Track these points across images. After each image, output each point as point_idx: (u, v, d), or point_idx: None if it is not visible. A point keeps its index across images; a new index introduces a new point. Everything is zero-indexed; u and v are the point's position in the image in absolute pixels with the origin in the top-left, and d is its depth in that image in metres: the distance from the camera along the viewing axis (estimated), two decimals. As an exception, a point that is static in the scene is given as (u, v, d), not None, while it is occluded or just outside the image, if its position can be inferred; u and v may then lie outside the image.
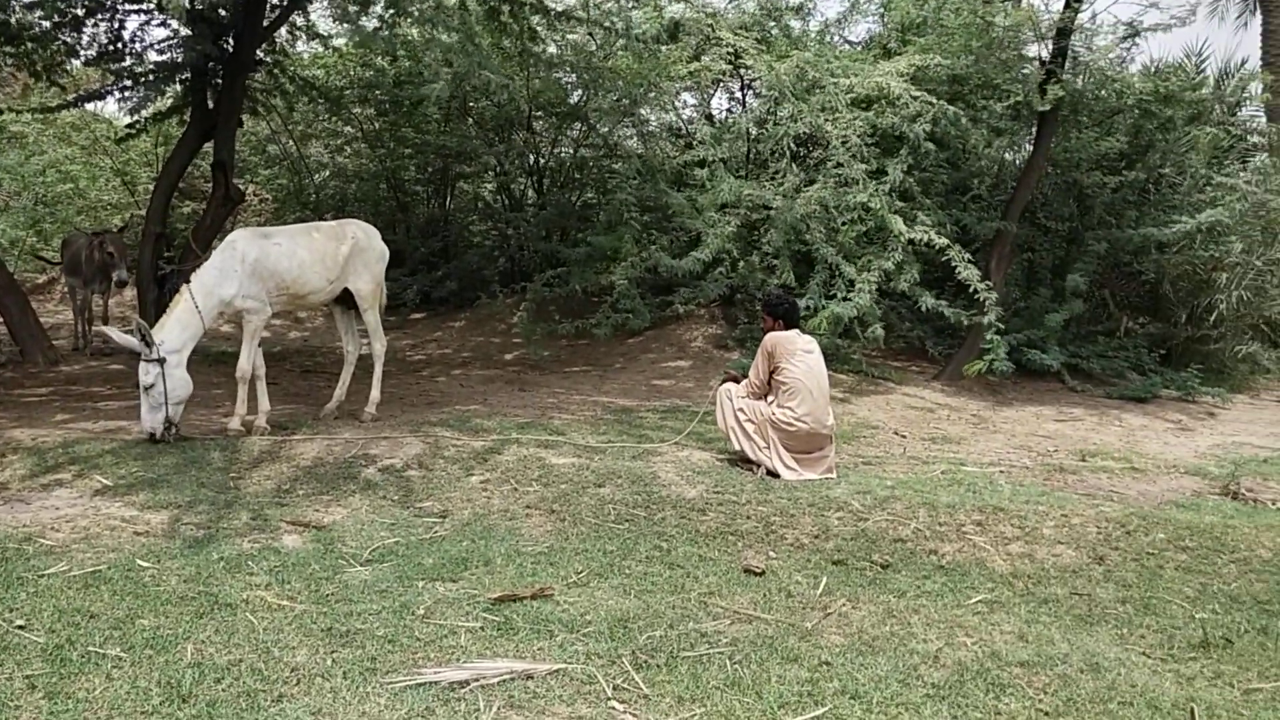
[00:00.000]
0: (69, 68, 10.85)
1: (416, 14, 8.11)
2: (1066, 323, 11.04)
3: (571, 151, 14.51)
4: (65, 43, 9.69)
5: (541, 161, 14.60)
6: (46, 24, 9.29)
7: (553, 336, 11.39)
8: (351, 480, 5.79)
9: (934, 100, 10.08)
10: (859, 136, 10.04)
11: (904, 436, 7.88)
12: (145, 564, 4.37)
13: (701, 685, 3.42)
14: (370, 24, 8.19)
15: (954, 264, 9.60)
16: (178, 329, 6.37)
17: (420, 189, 15.70)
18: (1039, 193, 11.79)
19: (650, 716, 3.19)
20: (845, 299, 9.44)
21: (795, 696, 3.37)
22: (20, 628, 3.64)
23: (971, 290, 9.54)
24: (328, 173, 15.88)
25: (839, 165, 10.06)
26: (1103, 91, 11.33)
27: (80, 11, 9.30)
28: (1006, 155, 12.87)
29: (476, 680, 3.36)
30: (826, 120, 10.23)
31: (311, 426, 7.01)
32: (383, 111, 14.48)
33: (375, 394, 7.46)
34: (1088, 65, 10.86)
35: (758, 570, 4.61)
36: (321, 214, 14.03)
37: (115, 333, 6.50)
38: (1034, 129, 11.31)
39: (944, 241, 9.63)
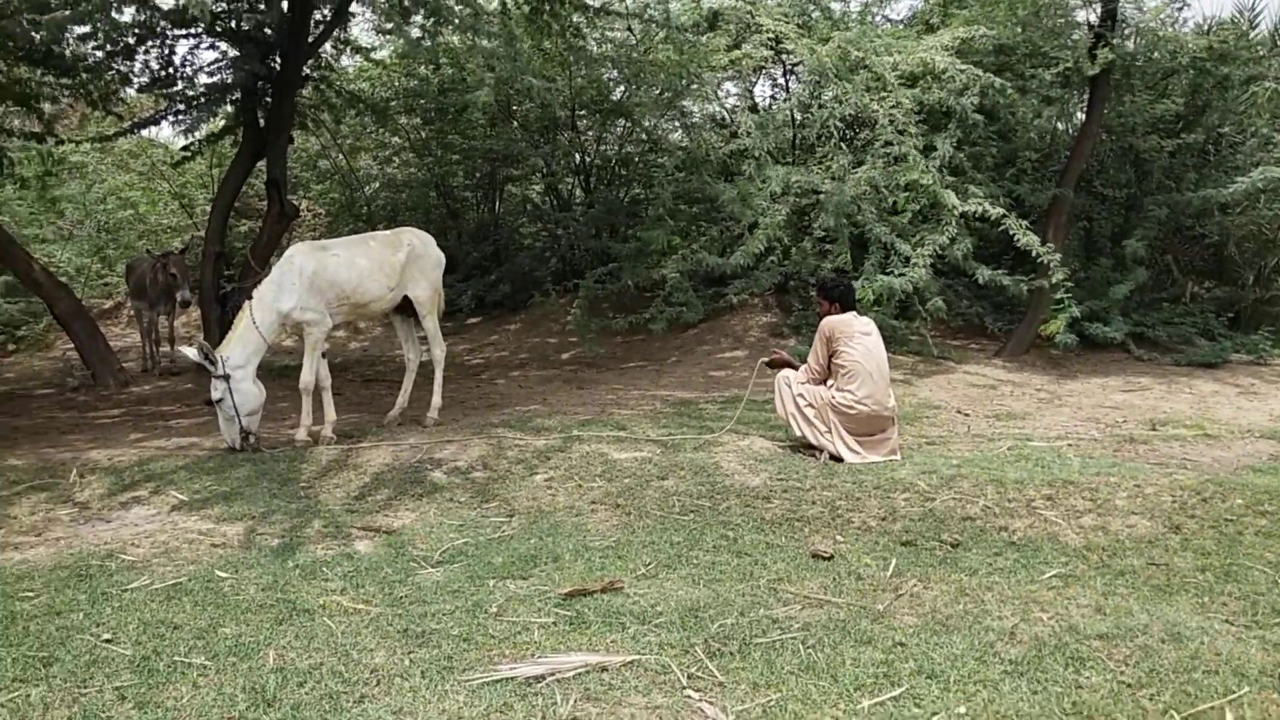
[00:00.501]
0: (123, 96, 11.13)
1: (457, 22, 8.18)
2: (1130, 291, 10.82)
3: (616, 148, 14.55)
4: (119, 71, 9.94)
5: (587, 160, 14.67)
6: (100, 54, 9.54)
7: (607, 333, 11.44)
8: (419, 484, 5.87)
9: (981, 72, 9.95)
10: (906, 114, 9.94)
11: (967, 415, 7.79)
12: (224, 574, 4.47)
13: (776, 671, 3.42)
14: (413, 33, 8.27)
15: (1011, 232, 9.48)
16: (239, 345, 6.59)
17: (469, 195, 15.85)
18: (1094, 160, 11.58)
19: (726, 704, 3.19)
20: (900, 274, 9.35)
21: (871, 679, 3.35)
22: (108, 641, 3.74)
23: (1034, 256, 9.42)
24: (378, 184, 16.10)
25: (887, 144, 9.98)
26: (1155, 53, 11.09)
27: (131, 40, 9.54)
28: (1058, 124, 12.67)
29: (552, 674, 3.39)
30: (872, 100, 10.15)
31: (377, 434, 7.12)
32: (429, 120, 14.64)
33: (437, 399, 7.55)
34: (1138, 27, 10.63)
35: (826, 555, 4.60)
36: (374, 225, 14.25)
37: (190, 351, 6.72)
38: (1085, 96, 11.11)
39: (999, 211, 9.52)
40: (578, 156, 14.62)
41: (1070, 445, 6.61)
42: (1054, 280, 9.45)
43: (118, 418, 8.39)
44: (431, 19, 8.16)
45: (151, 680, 3.40)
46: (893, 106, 10.04)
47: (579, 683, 3.34)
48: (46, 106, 10.47)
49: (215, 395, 6.51)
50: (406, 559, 4.67)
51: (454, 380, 9.38)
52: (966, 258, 9.73)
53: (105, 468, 6.27)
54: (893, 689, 3.28)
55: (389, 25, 8.14)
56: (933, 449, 6.57)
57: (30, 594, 4.27)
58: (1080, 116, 11.86)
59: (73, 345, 10.91)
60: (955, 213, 9.52)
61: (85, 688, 3.36)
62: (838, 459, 6.13)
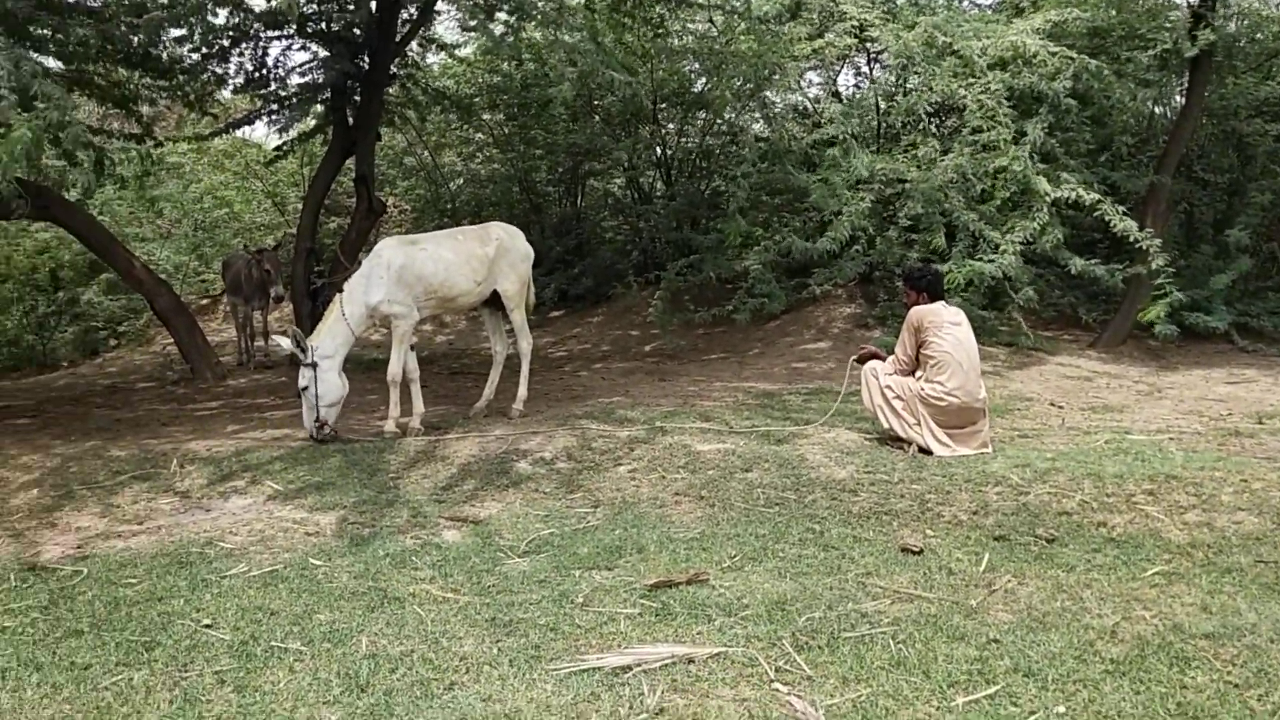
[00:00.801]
0: (219, 97, 11.45)
1: (540, 17, 8.23)
2: (1233, 280, 10.41)
3: (697, 140, 14.50)
4: (214, 73, 10.23)
5: (668, 152, 14.65)
6: (195, 56, 9.82)
7: (689, 325, 11.41)
8: (505, 475, 5.92)
9: (1074, 55, 9.65)
10: (995, 99, 9.71)
11: (1061, 407, 7.57)
12: (317, 562, 4.57)
13: (866, 665, 3.36)
14: (496, 30, 8.34)
15: (1107, 218, 9.19)
16: (328, 336, 6.78)
17: (552, 189, 15.96)
18: (1194, 144, 11.17)
19: (815, 698, 3.15)
20: (990, 260, 9.14)
21: (965, 675, 3.28)
22: (207, 626, 3.86)
23: (1132, 242, 9.12)
24: (462, 180, 16.30)
25: (976, 130, 9.75)
26: (1259, 34, 10.64)
27: (226, 42, 9.80)
28: (1155, 108, 12.23)
29: (639, 665, 3.38)
30: (960, 85, 9.93)
31: (463, 425, 7.20)
32: (511, 115, 14.78)
33: (523, 391, 7.61)
34: (1240, 7, 10.20)
35: (915, 549, 4.51)
36: (459, 220, 14.44)
37: (283, 340, 6.91)
38: (1185, 78, 10.71)
39: (1094, 197, 9.24)
40: (659, 149, 14.61)
41: (1172, 439, 6.37)
42: (1153, 266, 9.15)
43: (215, 410, 8.64)
44: (515, 15, 8.22)
45: (249, 665, 3.49)
46: (981, 92, 9.81)
47: (666, 674, 3.33)
48: (145, 108, 10.81)
49: (302, 383, 6.71)
50: (493, 549, 4.72)
51: (537, 373, 9.44)
52: (1058, 247, 9.46)
53: (204, 458, 6.46)
54: (987, 687, 3.20)
55: (473, 22, 8.22)
56: (1025, 442, 6.40)
57: (133, 580, 4.43)
58: (1179, 100, 11.44)
59: (172, 340, 11.27)
60: (1047, 199, 9.27)
61: (186, 671, 3.47)
62: (927, 452, 6.01)
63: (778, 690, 3.21)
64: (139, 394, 10.10)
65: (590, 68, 8.76)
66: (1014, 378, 8.67)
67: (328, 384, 6.70)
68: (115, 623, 3.93)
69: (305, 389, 6.71)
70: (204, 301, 15.85)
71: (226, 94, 11.62)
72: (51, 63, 8.01)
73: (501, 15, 8.75)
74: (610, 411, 7.40)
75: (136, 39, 8.14)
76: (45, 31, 7.66)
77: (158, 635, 3.77)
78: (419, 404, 7.16)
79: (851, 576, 4.22)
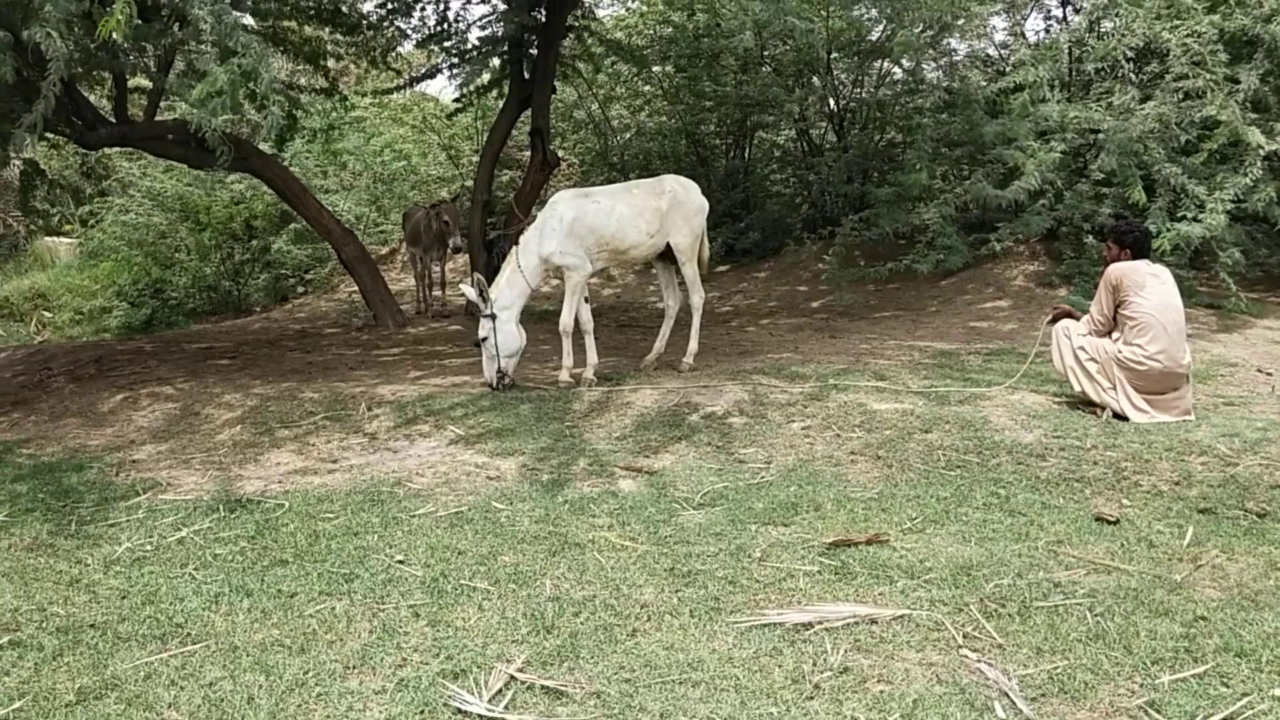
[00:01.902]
0: (400, 52, 11.80)
1: (715, -36, 8.13)
2: None
3: (872, 90, 14.05)
4: (398, 28, 10.54)
5: (840, 104, 14.26)
6: (380, 12, 10.14)
7: (860, 282, 11.14)
8: (677, 427, 5.94)
9: (1295, -7, 8.85)
10: (1203, 44, 9.01)
11: (1270, 374, 7.04)
12: (500, 506, 4.71)
13: (1061, 637, 3.22)
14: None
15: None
16: (507, 287, 6.90)
17: (719, 142, 15.81)
18: None
19: (1008, 667, 3.05)
20: (1195, 220, 8.53)
21: (1169, 652, 3.10)
22: (400, 562, 4.03)
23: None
24: (630, 133, 16.33)
25: (1181, 77, 9.08)
26: None
27: (410, -3, 10.08)
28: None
29: (820, 623, 3.35)
30: (1164, 29, 9.25)
31: (635, 378, 7.26)
32: (681, 68, 14.66)
33: (693, 345, 7.61)
34: None
35: (1111, 519, 4.28)
36: (626, 174, 14.49)
37: (468, 290, 7.09)
38: None
39: (1314, 151, 8.49)
40: (831, 100, 14.24)
41: (1400, 411, 5.85)
42: None
43: (397, 356, 8.99)
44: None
45: (441, 601, 3.63)
46: (1187, 35, 9.12)
47: (848, 633, 3.29)
48: (331, 63, 11.26)
49: (481, 334, 6.85)
50: (669, 499, 4.74)
51: (704, 327, 9.38)
52: (1271, 205, 8.75)
53: (390, 402, 6.73)
54: (1195, 665, 3.02)
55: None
56: (1232, 410, 5.98)
57: (330, 515, 4.66)
58: None
59: (357, 288, 11.78)
60: (1260, 153, 8.57)
61: (383, 604, 3.63)
62: (1122, 418, 5.69)
63: (966, 657, 3.12)
64: (326, 339, 10.62)
65: (766, 17, 8.59)
66: (1215, 341, 8.11)
67: (506, 334, 6.84)
68: (316, 554, 4.15)
69: (485, 339, 6.86)
70: (383, 251, 16.49)
71: (407, 49, 11.97)
72: (248, 20, 8.41)
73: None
74: (781, 368, 7.32)
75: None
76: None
77: (355, 568, 3.97)
78: (593, 355, 7.25)
79: (1041, 544, 4.04)
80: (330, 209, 12.61)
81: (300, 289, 15.85)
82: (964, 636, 3.26)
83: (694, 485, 4.97)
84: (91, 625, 3.53)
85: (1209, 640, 3.17)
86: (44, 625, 3.55)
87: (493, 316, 6.80)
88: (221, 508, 4.84)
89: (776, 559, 3.96)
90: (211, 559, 4.15)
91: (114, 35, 5.04)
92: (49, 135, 10.41)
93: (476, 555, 4.07)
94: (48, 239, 19.11)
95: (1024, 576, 3.70)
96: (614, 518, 4.49)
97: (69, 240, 19.26)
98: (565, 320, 7.15)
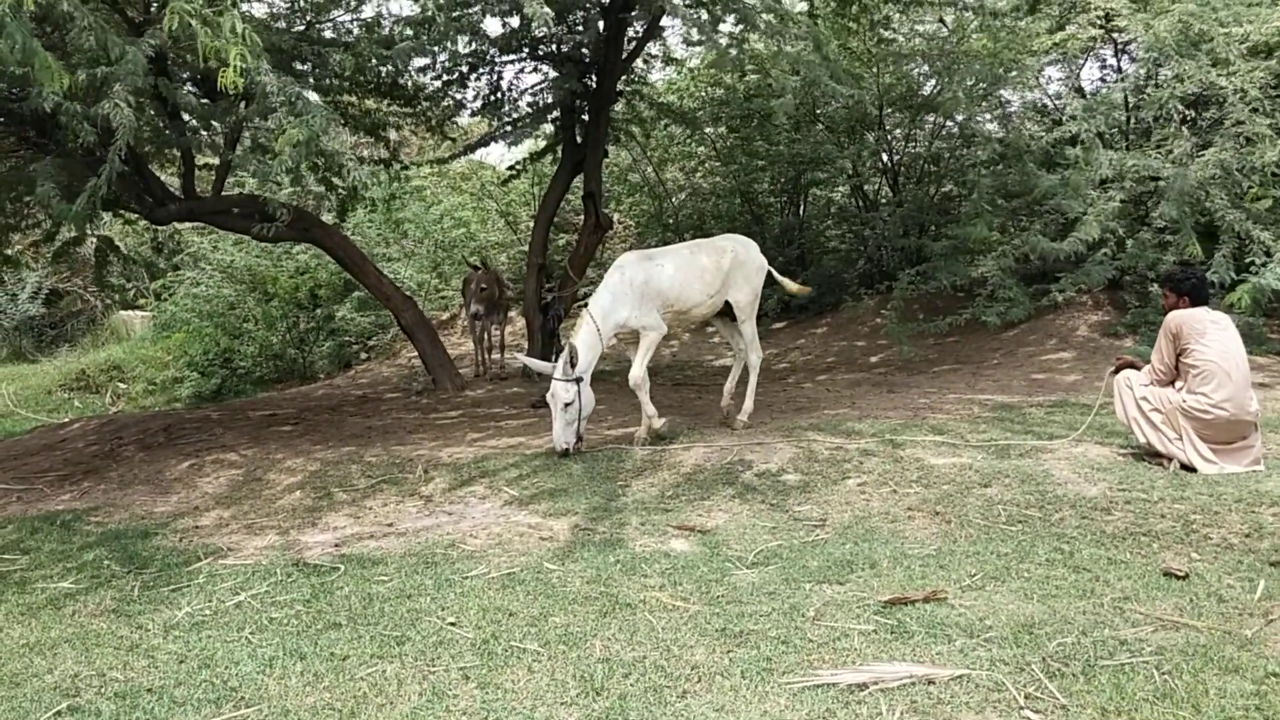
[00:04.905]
0: (457, 121, 12.11)
1: (764, 26, 8.21)
2: None
3: (926, 144, 14.04)
4: (454, 98, 10.83)
5: (894, 158, 14.26)
6: (437, 83, 10.44)
7: (919, 335, 11.03)
8: (730, 485, 5.89)
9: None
10: (1260, 90, 8.88)
11: (1347, 422, 6.79)
12: (552, 566, 4.69)
13: (1127, 697, 3.10)
14: (721, 41, 8.39)
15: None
16: (585, 350, 6.80)
17: (773, 200, 15.88)
18: None
19: (1071, 729, 2.94)
20: (1263, 265, 8.33)
21: (1240, 711, 2.97)
22: (452, 624, 4.02)
23: None
24: (685, 194, 16.48)
25: (1239, 123, 8.94)
26: None
27: (465, 68, 10.36)
28: None
29: (875, 683, 3.26)
30: (1219, 76, 9.14)
31: (688, 435, 7.23)
32: (734, 128, 14.82)
33: (749, 404, 7.56)
34: None
35: (1179, 574, 4.14)
36: (681, 234, 14.59)
37: (530, 360, 7.13)
38: None
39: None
40: (884, 156, 14.25)
41: None
42: None
43: (455, 419, 9.08)
44: (740, 25, 8.24)
45: (491, 663, 3.61)
46: (1244, 81, 8.99)
47: (904, 694, 3.20)
48: (391, 134, 11.57)
49: (566, 398, 6.66)
50: (721, 559, 4.69)
51: (760, 384, 9.34)
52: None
53: (446, 464, 6.78)
54: (1271, 728, 2.89)
55: (699, 36, 8.31)
56: (1306, 460, 5.78)
57: (384, 578, 4.68)
58: None
59: (416, 353, 11.96)
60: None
61: (433, 666, 3.62)
62: (1189, 469, 5.53)
63: (1028, 718, 3.02)
64: (387, 403, 10.76)
65: (813, 78, 8.65)
66: (1287, 389, 7.86)
67: (587, 397, 6.81)
68: (369, 617, 4.17)
69: (569, 404, 6.68)
70: (444, 316, 16.75)
71: (464, 118, 12.27)
72: (312, 96, 8.72)
73: (726, 26, 8.78)
74: (837, 424, 7.24)
75: (385, 69, 8.72)
76: (306, 66, 8.33)
77: (407, 630, 3.97)
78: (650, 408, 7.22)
79: (1107, 600, 3.91)
80: (392, 276, 12.87)
81: (364, 355, 16.14)
82: (1025, 697, 3.15)
83: (747, 544, 4.91)
84: (149, 690, 3.57)
85: (1285, 700, 3.03)
86: (102, 690, 3.60)
87: (578, 380, 6.71)
88: (279, 572, 4.89)
89: (831, 618, 3.88)
90: (268, 623, 4.19)
91: (235, 86, 5.25)
92: (121, 212, 10.83)
93: (527, 616, 4.05)
94: (123, 312, 19.81)
95: (1088, 634, 3.58)
96: (666, 577, 4.45)
97: (143, 313, 19.91)
98: (636, 374, 7.01)
